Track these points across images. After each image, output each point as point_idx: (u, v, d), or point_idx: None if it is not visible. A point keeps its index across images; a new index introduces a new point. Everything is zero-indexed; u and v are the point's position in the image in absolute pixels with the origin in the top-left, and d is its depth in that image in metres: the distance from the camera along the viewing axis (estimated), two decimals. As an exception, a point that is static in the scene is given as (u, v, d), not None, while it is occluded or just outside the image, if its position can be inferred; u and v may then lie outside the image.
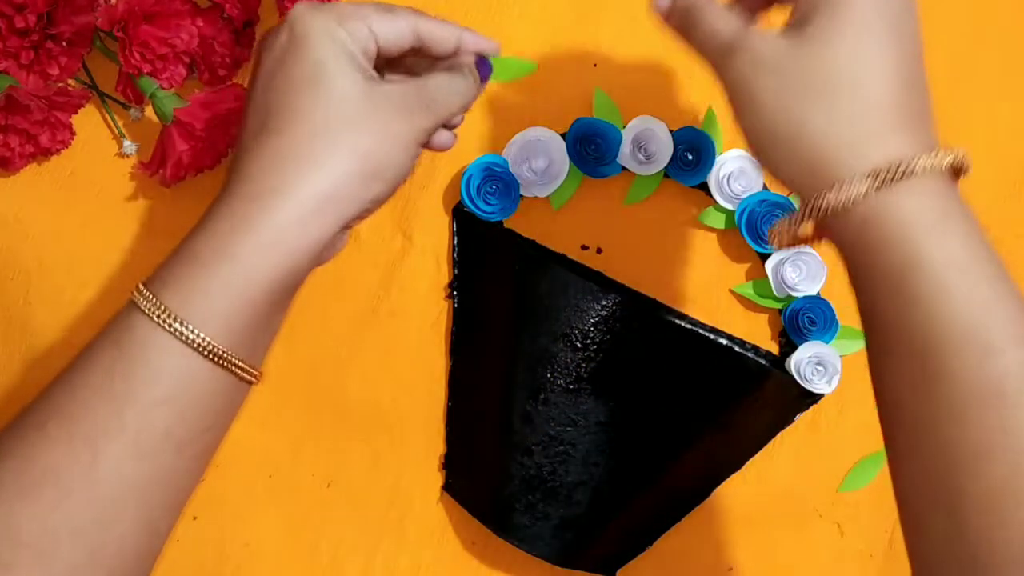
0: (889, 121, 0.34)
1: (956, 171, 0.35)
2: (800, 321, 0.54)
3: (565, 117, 0.54)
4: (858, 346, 0.55)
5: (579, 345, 0.51)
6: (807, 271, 0.54)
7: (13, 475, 0.36)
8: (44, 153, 0.50)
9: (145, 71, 0.47)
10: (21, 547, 0.35)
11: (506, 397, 0.52)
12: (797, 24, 0.36)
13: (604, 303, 0.51)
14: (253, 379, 0.40)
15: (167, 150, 0.48)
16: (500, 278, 0.53)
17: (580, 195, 0.55)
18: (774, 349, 0.55)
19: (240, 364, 0.39)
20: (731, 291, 0.56)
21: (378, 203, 0.41)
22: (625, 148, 0.53)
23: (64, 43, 0.46)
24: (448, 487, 0.56)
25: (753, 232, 0.53)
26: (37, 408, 0.38)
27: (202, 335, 0.37)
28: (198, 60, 0.50)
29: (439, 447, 0.56)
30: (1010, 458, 0.32)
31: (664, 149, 0.53)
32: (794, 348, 0.54)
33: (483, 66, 0.44)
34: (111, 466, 0.37)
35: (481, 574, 0.57)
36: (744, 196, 0.53)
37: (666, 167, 0.54)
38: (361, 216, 0.41)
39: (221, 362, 0.38)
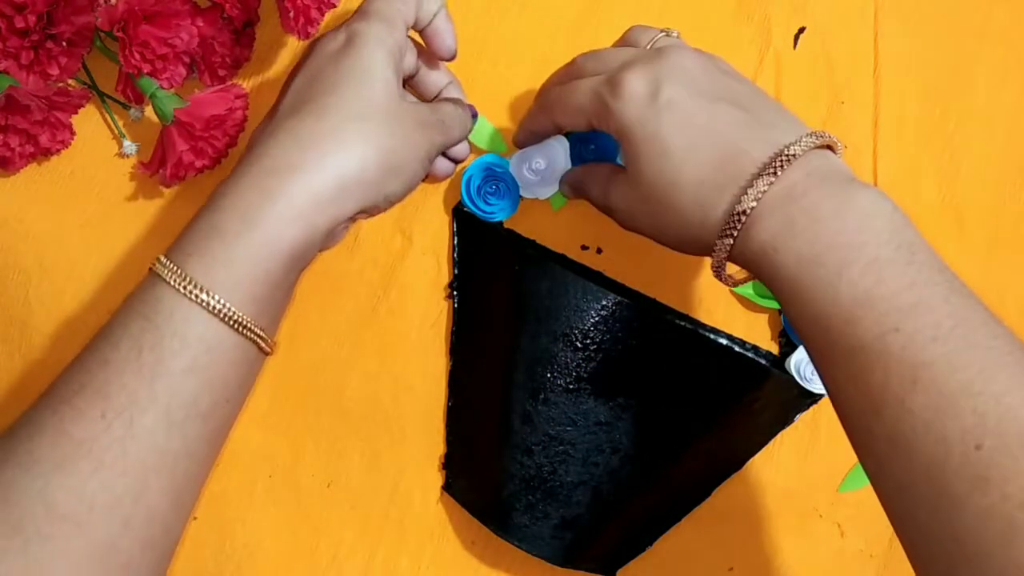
0: (705, 197, 0.41)
1: (805, 161, 0.40)
2: (800, 321, 0.54)
3: (565, 117, 0.54)
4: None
5: (579, 345, 0.51)
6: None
7: (47, 450, 0.37)
8: (44, 153, 0.50)
9: (145, 71, 0.47)
10: (59, 519, 0.36)
11: (506, 397, 0.52)
12: (626, 170, 0.44)
13: (604, 303, 0.51)
14: (269, 350, 0.42)
15: (167, 150, 0.48)
16: (500, 278, 0.53)
17: (580, 195, 0.55)
18: (774, 349, 0.55)
19: (260, 333, 0.40)
20: (731, 291, 0.56)
21: (389, 201, 0.44)
22: (625, 148, 0.53)
23: (64, 43, 0.46)
24: (448, 487, 0.56)
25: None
26: (66, 382, 0.39)
27: (227, 304, 0.39)
28: (198, 60, 0.50)
29: (439, 447, 0.56)
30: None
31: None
32: (794, 348, 0.54)
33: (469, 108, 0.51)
34: (144, 437, 0.37)
35: (481, 574, 0.56)
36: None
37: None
38: (371, 212, 0.44)
39: (243, 331, 0.40)
